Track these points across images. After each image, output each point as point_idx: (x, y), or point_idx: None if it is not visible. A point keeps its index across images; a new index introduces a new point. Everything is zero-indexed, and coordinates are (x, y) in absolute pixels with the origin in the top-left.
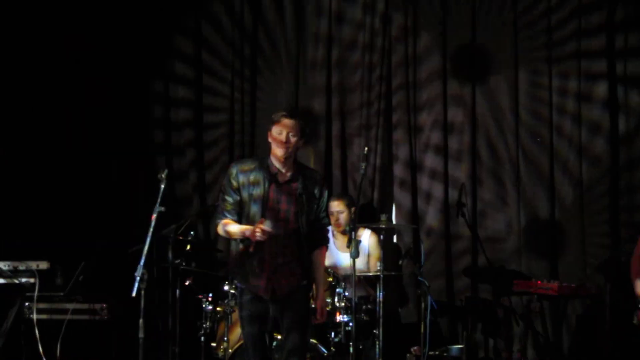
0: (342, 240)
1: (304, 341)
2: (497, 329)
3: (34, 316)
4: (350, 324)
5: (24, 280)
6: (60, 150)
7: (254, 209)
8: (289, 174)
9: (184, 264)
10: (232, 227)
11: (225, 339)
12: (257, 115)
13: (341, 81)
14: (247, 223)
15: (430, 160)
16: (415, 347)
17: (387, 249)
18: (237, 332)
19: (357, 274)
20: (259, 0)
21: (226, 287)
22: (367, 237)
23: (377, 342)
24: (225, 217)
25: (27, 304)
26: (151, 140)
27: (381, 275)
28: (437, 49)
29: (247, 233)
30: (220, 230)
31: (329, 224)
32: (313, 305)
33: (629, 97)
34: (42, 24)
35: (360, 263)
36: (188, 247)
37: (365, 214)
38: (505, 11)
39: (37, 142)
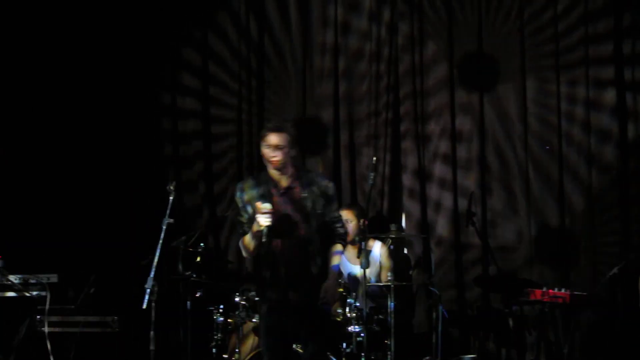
0: (353, 251)
1: (322, 351)
2: (509, 338)
3: (46, 329)
4: (362, 335)
5: (35, 293)
6: (70, 163)
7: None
8: (288, 181)
9: (194, 275)
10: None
11: (237, 350)
12: (265, 126)
13: (349, 91)
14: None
15: (439, 170)
16: (427, 358)
17: (397, 259)
18: (249, 343)
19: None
20: (265, 11)
21: (237, 299)
22: (377, 248)
23: (388, 353)
24: (245, 233)
25: (38, 317)
26: (160, 152)
27: (392, 286)
28: (444, 57)
29: (255, 227)
30: (244, 244)
31: (341, 220)
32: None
33: (638, 104)
34: (53, 38)
35: (371, 274)
36: (198, 259)
37: (374, 224)
38: (512, 19)
39: (47, 153)
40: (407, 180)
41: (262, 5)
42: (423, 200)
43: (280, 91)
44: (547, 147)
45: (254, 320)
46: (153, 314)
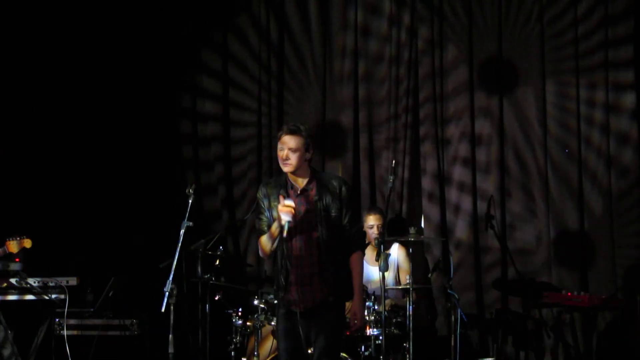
0: (372, 253)
1: (332, 348)
2: (527, 341)
3: (65, 332)
4: (381, 338)
5: (54, 296)
6: (90, 166)
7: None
8: (304, 184)
9: (213, 278)
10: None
11: (256, 353)
12: None
13: (368, 94)
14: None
15: (459, 173)
16: None
17: (417, 262)
18: (267, 346)
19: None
20: (285, 14)
21: (256, 302)
22: (395, 250)
23: (407, 356)
24: (263, 233)
25: (57, 320)
26: (179, 155)
27: (411, 289)
28: (463, 61)
29: (274, 226)
30: (261, 244)
31: (360, 226)
32: (347, 315)
33: None
34: (75, 42)
35: (389, 276)
36: (217, 262)
37: (394, 227)
38: (531, 22)
39: (69, 156)
40: (427, 183)
41: (282, 8)
42: (442, 203)
43: (300, 94)
44: (567, 151)
45: (272, 323)
46: (172, 317)
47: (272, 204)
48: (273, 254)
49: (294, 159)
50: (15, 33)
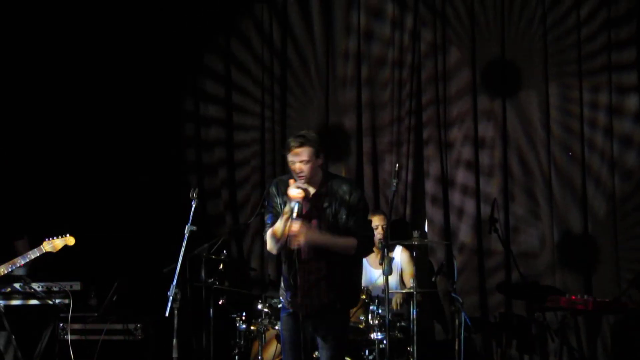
0: (375, 256)
1: (339, 356)
2: (531, 345)
3: (69, 337)
4: (384, 342)
5: (58, 301)
6: (93, 170)
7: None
8: (315, 190)
9: (217, 283)
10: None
11: (260, 357)
12: (288, 133)
13: (371, 98)
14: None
15: (462, 176)
16: None
17: (420, 266)
18: (271, 350)
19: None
20: (288, 18)
21: (259, 306)
22: (398, 254)
23: None
24: (271, 225)
25: (61, 324)
26: (183, 159)
27: (414, 292)
28: (466, 64)
29: (287, 208)
30: (267, 239)
31: (367, 234)
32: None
33: None
34: (78, 46)
35: (393, 280)
36: (221, 266)
37: (397, 231)
38: (534, 25)
39: (71, 160)
40: (430, 186)
41: (285, 12)
42: (446, 206)
43: (303, 98)
44: (570, 153)
45: (276, 327)
46: (176, 321)
47: (285, 199)
48: (280, 250)
49: (307, 170)
50: (19, 39)
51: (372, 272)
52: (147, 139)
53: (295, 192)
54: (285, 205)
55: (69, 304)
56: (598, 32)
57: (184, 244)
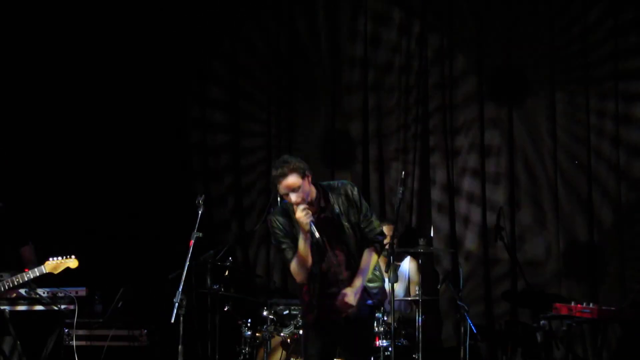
0: (382, 264)
1: None
2: (537, 353)
3: (74, 343)
4: (390, 349)
5: (63, 306)
6: (99, 175)
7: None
8: (317, 204)
9: (222, 289)
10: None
11: None
12: (294, 139)
13: (378, 104)
14: (299, 260)
15: (468, 184)
16: None
17: (426, 273)
18: (276, 357)
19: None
20: (294, 24)
21: (265, 313)
22: (407, 263)
23: None
24: (292, 258)
25: (66, 330)
26: (189, 165)
27: (420, 300)
28: (473, 71)
29: (302, 236)
30: (294, 271)
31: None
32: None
33: None
34: (83, 53)
35: (400, 288)
36: (226, 273)
37: (403, 239)
38: (541, 33)
39: (77, 166)
40: (436, 194)
41: (291, 19)
42: (452, 214)
43: (309, 104)
44: (576, 162)
45: (282, 334)
46: (181, 327)
47: (294, 225)
48: (309, 272)
49: (301, 196)
50: (26, 51)
51: None
52: (153, 145)
53: (302, 214)
54: (297, 228)
55: (74, 310)
56: (605, 40)
57: (190, 250)
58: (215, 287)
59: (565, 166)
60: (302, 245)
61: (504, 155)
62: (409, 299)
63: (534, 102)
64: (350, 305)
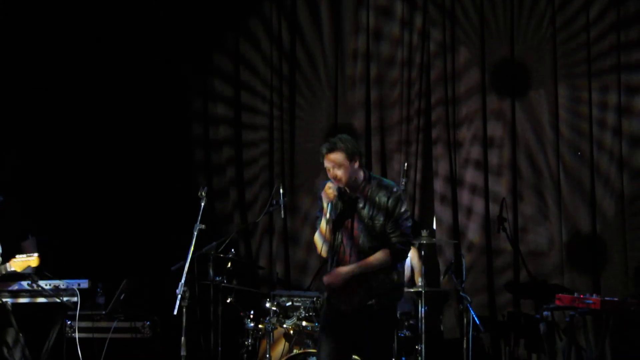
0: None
1: None
2: (539, 344)
3: (76, 335)
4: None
5: (65, 299)
6: (102, 169)
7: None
8: (354, 193)
9: (225, 281)
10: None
11: (268, 356)
12: (297, 132)
13: (380, 97)
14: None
15: (471, 175)
16: None
17: (429, 265)
18: (279, 349)
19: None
20: (297, 17)
21: (267, 304)
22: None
23: (419, 358)
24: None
25: (69, 322)
26: (191, 158)
27: (422, 291)
28: (476, 64)
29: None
30: (315, 238)
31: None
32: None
33: None
34: (86, 47)
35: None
36: (229, 265)
37: None
38: (544, 25)
39: (80, 160)
40: (439, 186)
41: (293, 12)
42: (454, 206)
43: (311, 97)
44: (579, 153)
45: (284, 326)
46: (184, 319)
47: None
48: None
49: (341, 175)
50: (26, 42)
51: None
52: (156, 138)
53: (329, 191)
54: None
55: (76, 302)
56: (607, 33)
57: (193, 242)
58: (217, 279)
59: (567, 157)
60: (324, 220)
61: (506, 147)
62: (412, 290)
63: (537, 94)
64: (334, 280)
